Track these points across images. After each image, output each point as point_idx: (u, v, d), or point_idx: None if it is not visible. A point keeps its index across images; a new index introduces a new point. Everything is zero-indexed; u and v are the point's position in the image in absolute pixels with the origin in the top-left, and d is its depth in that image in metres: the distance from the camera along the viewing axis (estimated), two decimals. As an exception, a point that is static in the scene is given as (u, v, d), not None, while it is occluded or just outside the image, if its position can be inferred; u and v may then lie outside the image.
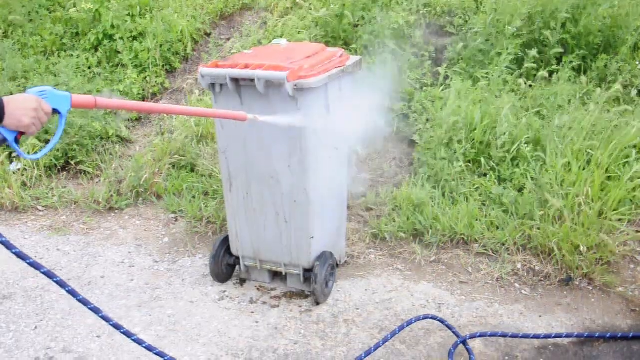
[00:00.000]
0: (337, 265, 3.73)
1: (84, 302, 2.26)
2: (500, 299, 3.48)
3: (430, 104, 4.78)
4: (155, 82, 5.99)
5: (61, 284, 2.18)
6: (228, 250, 3.64)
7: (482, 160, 4.26)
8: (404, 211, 4.09)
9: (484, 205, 4.05)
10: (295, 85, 2.93)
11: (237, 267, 3.71)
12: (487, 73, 4.94)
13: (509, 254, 3.76)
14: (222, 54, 6.06)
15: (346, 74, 3.31)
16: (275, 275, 3.68)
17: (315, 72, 3.03)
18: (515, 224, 3.84)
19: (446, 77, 5.14)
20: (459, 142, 4.31)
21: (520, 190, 4.03)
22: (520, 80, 4.87)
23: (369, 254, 3.97)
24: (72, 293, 2.22)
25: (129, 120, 5.71)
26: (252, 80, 2.98)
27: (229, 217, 3.52)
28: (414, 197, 4.08)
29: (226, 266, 3.68)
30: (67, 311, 3.50)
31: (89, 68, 6.09)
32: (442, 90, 4.89)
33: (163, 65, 6.14)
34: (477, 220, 3.93)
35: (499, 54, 5.00)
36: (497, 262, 3.75)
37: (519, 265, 3.69)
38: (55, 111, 2.04)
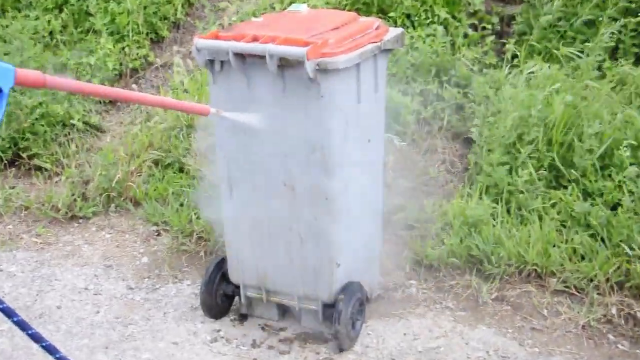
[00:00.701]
0: (368, 299, 3.68)
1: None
2: (589, 355, 3.40)
3: (492, 92, 4.73)
4: (137, 54, 5.99)
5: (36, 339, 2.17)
6: (225, 276, 3.61)
7: (562, 167, 4.19)
8: (455, 231, 4.04)
9: (564, 226, 3.98)
10: (317, 65, 2.92)
11: (237, 298, 3.67)
12: (577, 51, 4.83)
13: (599, 294, 3.69)
14: (224, 22, 6.04)
15: (384, 51, 3.29)
16: (286, 310, 3.64)
17: (344, 48, 3.02)
18: (607, 254, 3.76)
19: (514, 57, 5.08)
20: (531, 142, 4.25)
21: (614, 208, 3.96)
22: (616, 63, 4.79)
23: (409, 286, 3.92)
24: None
25: (100, 102, 5.71)
26: (263, 56, 2.96)
27: (227, 233, 3.50)
28: (469, 212, 4.04)
29: (222, 297, 3.65)
30: (9, 354, 3.47)
31: (51, 34, 6.10)
32: (509, 73, 4.82)
33: (147, 33, 6.14)
34: (554, 246, 3.86)
35: (591, 24, 4.88)
36: (583, 304, 3.68)
37: (613, 310, 3.61)
38: None
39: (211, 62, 3.14)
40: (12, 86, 2.05)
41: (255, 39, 3.04)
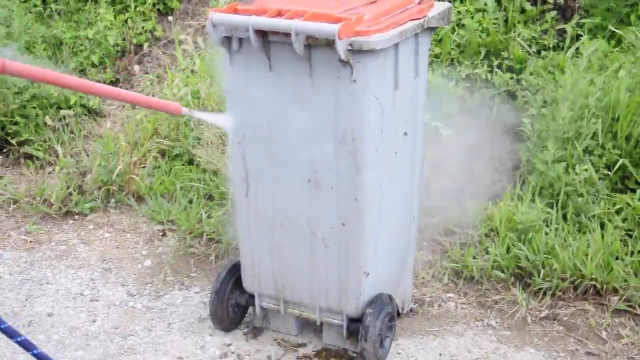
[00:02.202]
0: (399, 314, 3.71)
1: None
2: (652, 385, 3.42)
3: (551, 77, 4.71)
4: (142, 28, 6.05)
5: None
6: (238, 283, 3.64)
7: (629, 165, 4.19)
8: (502, 238, 4.05)
9: (630, 236, 3.97)
10: (350, 45, 2.90)
11: (251, 309, 3.72)
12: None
13: (668, 315, 3.71)
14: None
15: (427, 29, 3.28)
16: (306, 324, 3.67)
17: (382, 25, 2.99)
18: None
19: (577, 37, 5.05)
20: (591, 136, 4.25)
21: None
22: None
23: (447, 299, 3.94)
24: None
25: (100, 82, 5.77)
26: (288, 34, 2.96)
27: (241, 235, 3.52)
28: (518, 217, 4.04)
29: (234, 307, 3.68)
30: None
31: (44, 2, 6.16)
32: (572, 56, 4.79)
33: (154, 4, 6.19)
34: (617, 259, 3.85)
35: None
36: (649, 326, 3.69)
37: (684, 335, 3.62)
38: None
39: (228, 40, 3.13)
40: None
41: (279, 14, 3.03)
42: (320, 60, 3.01)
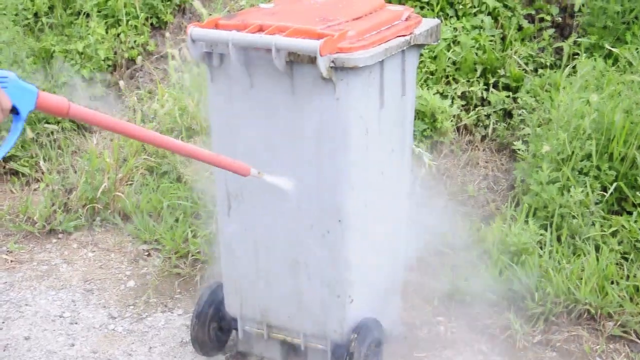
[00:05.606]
0: (386, 339, 3.64)
1: None
2: (646, 414, 3.39)
3: (547, 96, 4.70)
4: (134, 42, 6.03)
5: None
6: (221, 306, 3.60)
7: (624, 187, 4.17)
8: (495, 260, 4.03)
9: (626, 259, 3.97)
10: (332, 62, 2.88)
11: (234, 333, 3.66)
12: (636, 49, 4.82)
13: (664, 342, 3.69)
14: (238, 5, 6.06)
15: (414, 46, 3.26)
16: (291, 349, 3.61)
17: (366, 42, 2.97)
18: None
19: (575, 56, 5.05)
20: (586, 157, 4.25)
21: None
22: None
23: (437, 323, 3.91)
24: None
25: (88, 99, 5.74)
26: (269, 50, 2.92)
27: (223, 256, 3.49)
28: (511, 239, 4.03)
29: (216, 331, 3.64)
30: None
31: (35, 15, 6.15)
32: (568, 75, 4.79)
33: (147, 18, 6.19)
34: (612, 283, 3.84)
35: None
36: (645, 352, 3.66)
37: (680, 362, 3.59)
38: (13, 109, 2.11)
39: (209, 56, 3.12)
40: (32, 110, 2.14)
41: (260, 29, 3.01)
42: (302, 78, 2.98)
